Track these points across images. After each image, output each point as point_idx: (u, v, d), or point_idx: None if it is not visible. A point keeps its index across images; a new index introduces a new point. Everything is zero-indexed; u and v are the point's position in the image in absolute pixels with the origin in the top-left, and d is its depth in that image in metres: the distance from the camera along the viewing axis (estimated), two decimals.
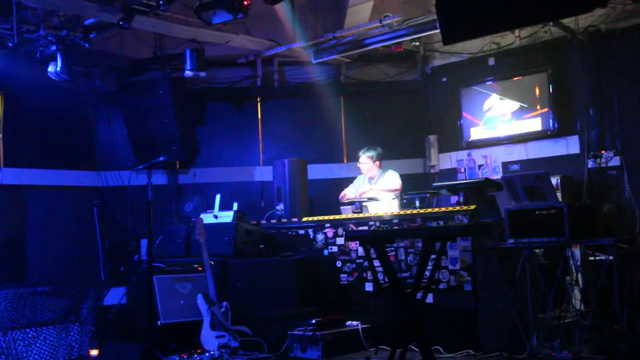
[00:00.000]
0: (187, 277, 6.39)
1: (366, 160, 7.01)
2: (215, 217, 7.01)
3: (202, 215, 6.91)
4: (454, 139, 8.39)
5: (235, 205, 7.10)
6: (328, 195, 7.94)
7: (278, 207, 7.26)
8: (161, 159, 5.87)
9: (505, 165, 7.95)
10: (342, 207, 6.95)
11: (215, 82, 8.74)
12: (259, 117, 8.84)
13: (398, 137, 8.54)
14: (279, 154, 8.30)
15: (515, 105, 7.87)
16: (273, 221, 7.17)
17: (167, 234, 7.06)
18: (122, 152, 8.29)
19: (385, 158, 7.28)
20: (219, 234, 6.70)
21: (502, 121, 7.99)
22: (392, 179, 6.95)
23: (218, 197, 7.16)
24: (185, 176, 8.60)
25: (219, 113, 8.76)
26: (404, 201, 7.00)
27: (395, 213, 6.33)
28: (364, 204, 6.83)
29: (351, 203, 6.85)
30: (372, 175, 7.08)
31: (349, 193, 7.09)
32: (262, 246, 6.89)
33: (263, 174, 8.59)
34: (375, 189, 6.99)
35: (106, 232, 7.97)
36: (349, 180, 7.53)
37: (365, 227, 6.33)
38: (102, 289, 6.64)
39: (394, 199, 6.91)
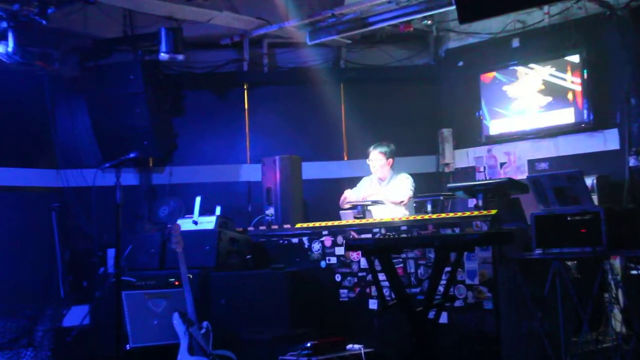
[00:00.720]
0: (162, 293, 6.36)
1: (378, 156, 7.00)
2: (195, 223, 6.99)
3: (179, 221, 6.87)
4: (472, 133, 8.43)
5: (218, 210, 7.08)
6: (326, 198, 7.96)
7: (268, 212, 7.26)
8: (131, 155, 5.84)
9: (532, 163, 7.98)
10: (341, 212, 6.95)
11: (195, 66, 8.75)
12: (246, 107, 8.87)
13: (406, 130, 8.59)
14: (268, 150, 8.32)
15: (543, 93, 7.87)
16: (262, 228, 7.17)
17: (138, 243, 7.03)
18: (85, 147, 8.29)
19: (397, 157, 7.32)
20: (199, 243, 6.67)
21: (528, 112, 8.01)
22: (403, 185, 6.92)
23: (198, 200, 7.13)
24: (160, 176, 8.62)
25: (200, 102, 8.79)
26: (414, 205, 7.01)
27: (404, 219, 6.32)
28: (368, 207, 6.82)
29: (352, 207, 6.85)
30: (383, 175, 7.07)
31: (351, 196, 7.07)
32: (249, 257, 6.87)
33: (250, 173, 8.61)
34: (385, 193, 6.98)
35: (66, 240, 7.96)
36: (349, 181, 7.57)
37: (369, 235, 6.32)
38: (61, 307, 6.61)
39: (402, 202, 6.89)
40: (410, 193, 6.88)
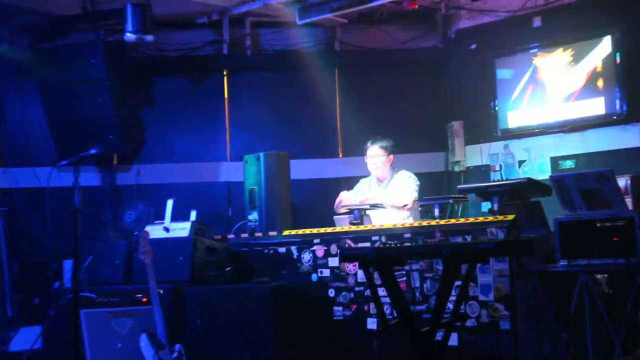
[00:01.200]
0: (127, 312, 6.34)
1: (379, 152, 7.06)
2: (167, 229, 6.98)
3: (148, 228, 6.86)
4: (486, 126, 8.45)
5: (193, 215, 7.08)
6: (318, 201, 7.99)
7: (251, 217, 7.27)
8: (93, 151, 5.82)
9: (555, 161, 7.99)
10: (336, 218, 6.95)
11: (167, 49, 8.75)
12: (226, 96, 8.88)
13: (411, 123, 8.62)
14: (252, 145, 8.33)
15: (569, 80, 7.88)
16: (244, 235, 7.16)
17: (100, 253, 7.02)
18: (38, 142, 8.28)
19: (397, 153, 7.36)
20: (171, 253, 6.67)
21: (551, 102, 8.03)
22: (406, 186, 6.94)
23: (170, 203, 7.12)
24: (126, 175, 8.63)
25: (172, 91, 8.80)
26: (420, 209, 7.02)
27: (407, 225, 6.33)
28: (366, 212, 6.83)
29: (349, 212, 6.84)
30: (383, 175, 7.13)
31: (347, 199, 7.09)
32: (228, 269, 6.86)
33: (231, 172, 8.63)
34: (386, 195, 7.02)
35: (15, 250, 7.94)
36: (345, 182, 7.63)
37: (367, 244, 6.32)
38: (8, 328, 6.57)
39: (407, 206, 6.90)
40: (415, 195, 6.90)
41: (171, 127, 8.71)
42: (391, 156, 7.08)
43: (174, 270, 6.62)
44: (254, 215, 7.26)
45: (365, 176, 7.31)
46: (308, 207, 8.22)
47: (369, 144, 7.11)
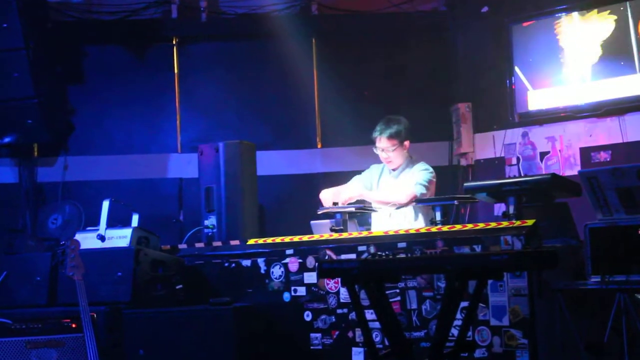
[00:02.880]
0: (52, 341, 6.30)
1: (388, 143, 6.99)
2: (102, 238, 6.96)
3: (77, 236, 6.83)
4: (500, 110, 8.51)
5: (135, 219, 7.08)
6: (291, 202, 8.09)
7: (207, 222, 7.30)
8: (6, 140, 5.82)
9: (586, 152, 8.04)
10: (313, 223, 6.96)
11: (101, 11, 8.77)
12: (176, 71, 8.92)
13: (406, 106, 8.61)
14: (208, 133, 8.44)
15: (605, 52, 7.97)
16: (199, 245, 7.16)
17: (16, 268, 6.98)
18: None
19: None
20: (107, 268, 6.63)
21: (581, 79, 8.07)
22: (416, 179, 6.91)
23: (106, 204, 7.09)
24: (50, 170, 8.62)
25: (108, 64, 8.82)
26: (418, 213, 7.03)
27: (402, 232, 6.35)
28: (360, 213, 6.87)
29: (328, 215, 6.86)
30: (394, 166, 7.12)
31: (328, 199, 7.05)
32: (179, 287, 6.86)
33: (182, 166, 8.69)
34: (372, 194, 7.02)
35: None
36: (325, 178, 7.71)
37: (352, 256, 6.33)
38: None
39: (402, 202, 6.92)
40: (418, 190, 6.84)
41: (107, 110, 8.72)
42: (406, 142, 7.04)
43: (110, 289, 6.59)
44: (211, 220, 7.28)
45: (346, 172, 7.36)
46: (279, 209, 8.27)
47: (376, 134, 7.04)
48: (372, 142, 7.04)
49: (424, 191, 6.80)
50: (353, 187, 7.12)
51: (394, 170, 7.09)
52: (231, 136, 7.63)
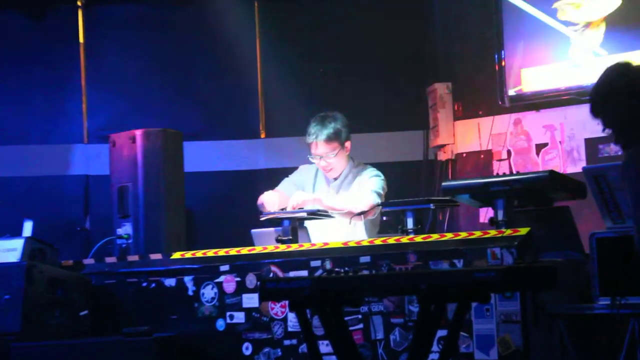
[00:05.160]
0: None
1: (326, 148, 7.02)
2: None
3: None
4: (487, 91, 8.58)
5: (27, 227, 7.04)
6: (227, 206, 8.12)
7: (121, 231, 7.32)
8: None
9: (593, 144, 8.08)
10: (254, 232, 6.96)
11: None
12: (81, 41, 8.92)
13: (369, 86, 8.74)
14: (123, 119, 8.44)
15: (618, 19, 7.99)
16: (110, 260, 7.12)
17: None
18: None
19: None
20: None
21: (587, 54, 8.13)
22: (366, 186, 6.98)
23: None
24: None
25: None
26: (384, 218, 7.12)
27: (366, 243, 6.37)
28: (302, 223, 6.87)
29: (274, 222, 6.85)
30: (336, 174, 7.17)
31: (273, 202, 7.09)
32: (84, 313, 6.82)
33: (90, 160, 8.72)
34: (328, 200, 7.00)
35: None
36: (269, 175, 7.77)
37: (303, 273, 6.31)
38: None
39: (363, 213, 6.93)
40: (377, 199, 6.92)
41: None
42: (347, 144, 7.09)
43: None
44: (126, 229, 7.29)
45: (295, 168, 7.36)
46: (212, 215, 8.34)
47: (311, 138, 7.05)
48: (306, 148, 7.07)
49: (379, 200, 6.89)
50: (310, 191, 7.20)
51: (334, 179, 7.15)
52: (152, 123, 7.65)
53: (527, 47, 8.42)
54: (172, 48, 8.92)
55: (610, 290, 5.38)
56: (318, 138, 7.00)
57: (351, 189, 7.09)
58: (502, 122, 8.54)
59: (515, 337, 5.66)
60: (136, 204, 7.26)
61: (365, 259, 6.17)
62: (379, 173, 7.07)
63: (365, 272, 6.07)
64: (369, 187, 6.96)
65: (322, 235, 6.91)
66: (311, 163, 7.23)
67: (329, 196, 7.04)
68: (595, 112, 4.81)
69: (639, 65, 4.92)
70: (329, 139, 6.99)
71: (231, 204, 8.02)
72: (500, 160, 8.48)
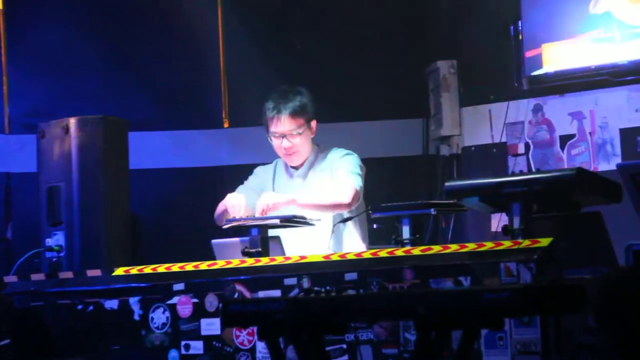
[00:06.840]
0: None
1: (292, 126, 7.09)
2: None
3: None
4: (500, 71, 8.61)
5: None
6: (182, 209, 8.22)
7: (51, 242, 7.31)
8: None
9: (631, 136, 8.09)
10: (215, 243, 6.96)
11: None
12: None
13: (358, 66, 8.84)
14: (53, 104, 8.47)
15: None
16: (37, 277, 7.12)
17: None
18: None
19: (328, 121, 7.52)
20: None
21: (622, 27, 8.09)
22: (341, 169, 6.99)
23: None
24: None
25: None
26: (374, 226, 7.20)
27: (352, 256, 6.36)
28: (274, 230, 6.85)
29: (239, 231, 6.81)
30: (301, 160, 7.20)
31: (238, 207, 7.06)
32: (5, 342, 6.80)
33: (11, 154, 8.77)
34: (304, 196, 7.04)
35: None
36: (233, 172, 7.87)
37: (276, 292, 6.28)
38: None
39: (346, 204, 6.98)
40: (357, 181, 6.96)
41: None
42: (313, 123, 7.18)
43: None
44: (57, 239, 7.26)
45: (264, 164, 7.38)
46: (163, 222, 8.39)
47: (272, 112, 7.11)
48: (265, 128, 7.15)
49: (361, 182, 6.97)
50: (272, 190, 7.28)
51: (295, 168, 7.21)
52: (90, 109, 7.70)
53: (549, 19, 8.43)
54: (115, 17, 8.99)
55: None
56: (281, 112, 7.09)
57: (320, 177, 7.16)
58: (518, 109, 8.54)
59: None
60: (70, 209, 7.26)
61: (351, 276, 6.16)
62: (350, 151, 7.14)
63: (352, 292, 6.02)
64: (343, 170, 7.02)
65: (298, 246, 6.91)
66: (264, 163, 7.32)
67: (303, 193, 7.06)
68: None
69: None
70: (295, 113, 7.08)
71: (187, 209, 8.11)
72: (517, 155, 8.52)
